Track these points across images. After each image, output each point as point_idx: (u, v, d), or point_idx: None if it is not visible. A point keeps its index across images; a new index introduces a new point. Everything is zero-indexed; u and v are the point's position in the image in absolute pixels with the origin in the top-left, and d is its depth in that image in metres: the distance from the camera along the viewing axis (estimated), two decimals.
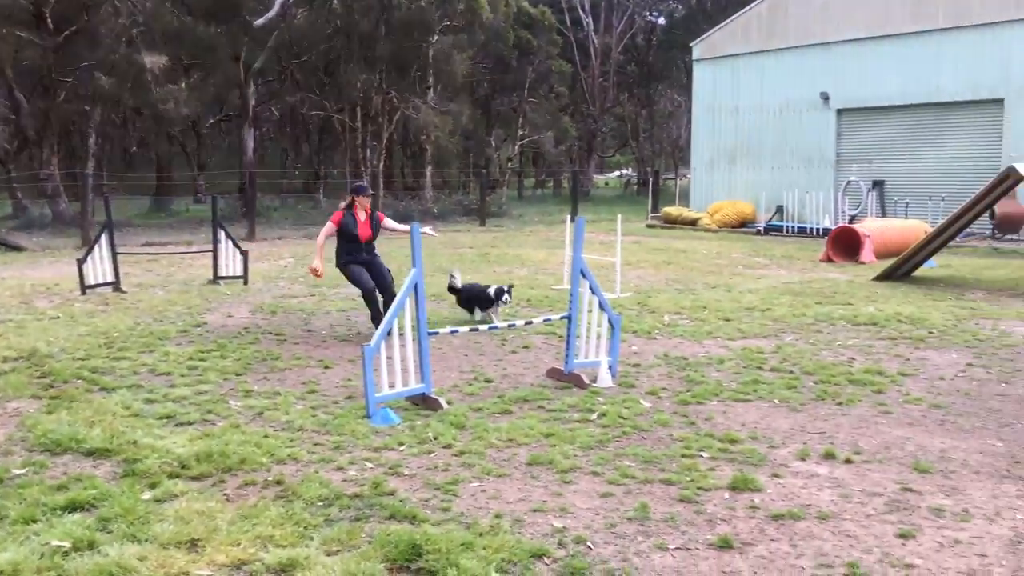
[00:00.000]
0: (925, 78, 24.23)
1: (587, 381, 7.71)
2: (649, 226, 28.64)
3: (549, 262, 17.66)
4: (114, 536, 4.47)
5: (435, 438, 6.16)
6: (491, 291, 10.87)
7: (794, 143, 27.54)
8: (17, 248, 21.28)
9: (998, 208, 19.98)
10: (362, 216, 9.88)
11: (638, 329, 10.29)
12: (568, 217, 16.67)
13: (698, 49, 30.38)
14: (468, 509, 4.92)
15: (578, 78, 50.44)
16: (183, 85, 31.62)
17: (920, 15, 24.19)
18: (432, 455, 5.83)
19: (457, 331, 8.40)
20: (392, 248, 19.89)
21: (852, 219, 23.23)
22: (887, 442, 6.10)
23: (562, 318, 8.16)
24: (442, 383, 7.76)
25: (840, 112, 26.45)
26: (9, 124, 30.30)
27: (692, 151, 31.37)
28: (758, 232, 25.62)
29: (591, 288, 7.86)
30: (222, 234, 14.71)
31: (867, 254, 17.49)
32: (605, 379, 7.75)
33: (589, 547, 4.43)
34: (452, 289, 11.40)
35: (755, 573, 4.16)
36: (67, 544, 4.33)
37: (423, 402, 7.03)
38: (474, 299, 11.10)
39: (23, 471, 5.47)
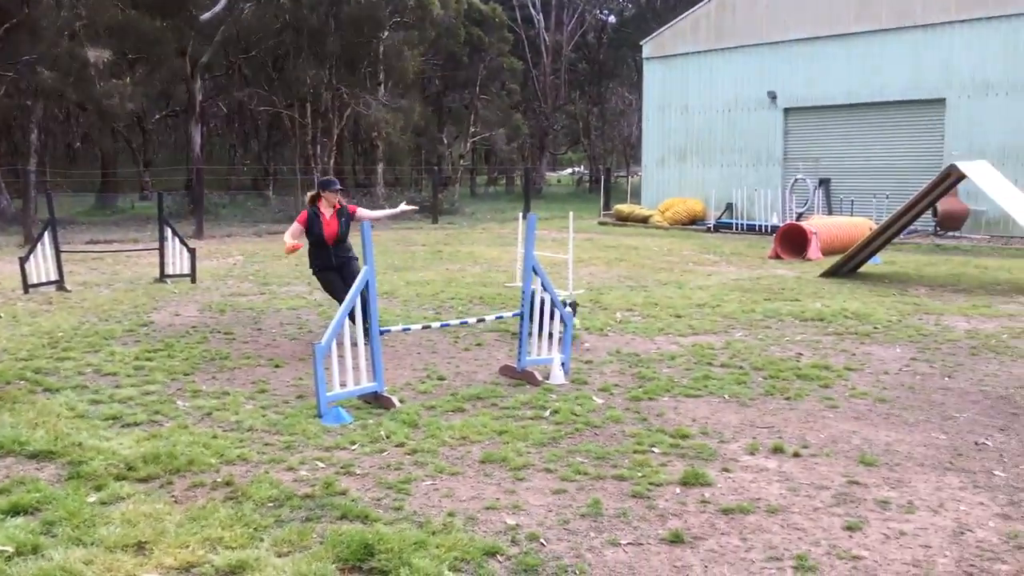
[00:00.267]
0: (869, 78, 24.67)
1: (540, 378, 7.73)
2: (601, 223, 28.79)
3: (502, 259, 17.67)
4: (59, 540, 4.38)
5: (388, 437, 6.13)
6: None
7: (743, 141, 27.87)
8: None
9: (940, 205, 20.42)
10: (328, 213, 9.04)
11: (591, 326, 10.34)
12: (520, 214, 16.70)
13: (648, 48, 30.60)
14: (421, 508, 4.90)
15: (529, 75, 50.53)
16: (128, 80, 31.00)
17: (864, 16, 24.62)
18: (384, 454, 5.80)
19: (409, 329, 8.37)
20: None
21: (799, 216, 23.59)
22: (834, 436, 6.20)
23: (515, 315, 8.17)
24: (394, 381, 7.72)
25: (787, 111, 26.82)
26: None
27: (643, 149, 31.58)
28: (708, 229, 25.89)
29: (543, 285, 7.88)
30: (169, 231, 14.48)
31: (814, 251, 17.77)
32: (558, 376, 7.77)
33: (542, 544, 4.44)
34: None
35: (706, 567, 4.20)
36: (10, 549, 4.23)
37: (375, 401, 6.99)
38: None
39: None
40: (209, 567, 4.12)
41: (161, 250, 14.52)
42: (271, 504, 4.91)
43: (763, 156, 27.36)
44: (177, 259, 14.52)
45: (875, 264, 16.15)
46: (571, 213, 15.02)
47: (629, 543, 4.46)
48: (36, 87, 27.67)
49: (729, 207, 26.75)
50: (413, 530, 4.54)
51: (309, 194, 9.22)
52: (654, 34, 30.91)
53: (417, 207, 10.02)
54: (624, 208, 29.30)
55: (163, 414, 6.72)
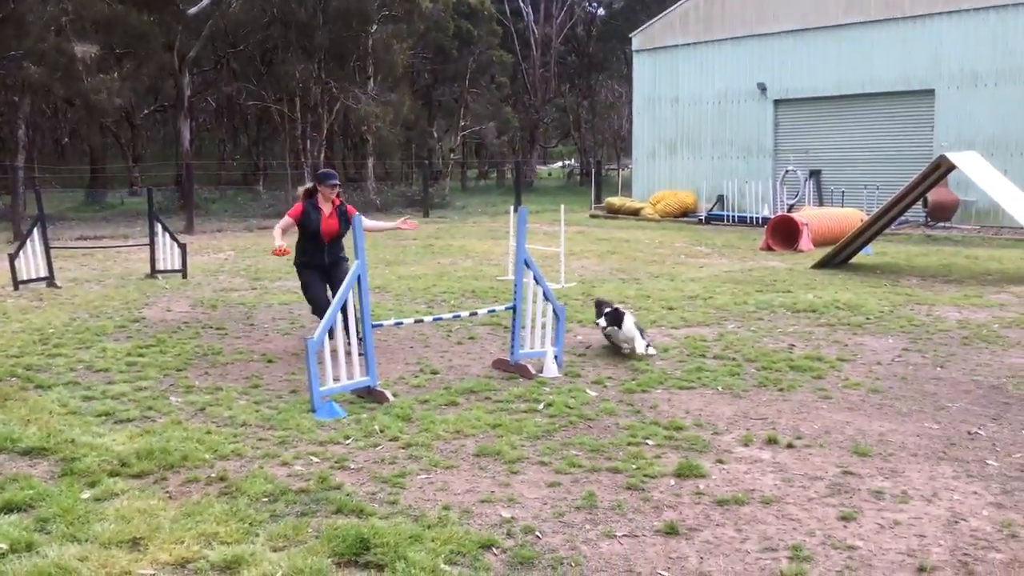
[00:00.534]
0: (859, 69, 24.71)
1: (533, 371, 7.72)
2: (592, 216, 28.79)
3: (493, 253, 17.65)
4: (53, 537, 4.36)
5: (381, 431, 6.12)
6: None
7: (733, 133, 27.90)
8: None
9: (930, 196, 20.48)
10: (327, 209, 8.41)
11: (583, 319, 10.34)
12: (512, 208, 16.69)
13: (637, 40, 30.58)
14: (416, 501, 4.89)
15: (519, 68, 50.44)
16: (115, 75, 30.83)
17: (853, 7, 24.65)
18: (379, 448, 5.79)
19: (402, 323, 8.36)
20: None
21: (790, 208, 23.63)
22: (827, 426, 6.22)
23: (507, 309, 8.16)
24: (388, 375, 7.71)
25: (777, 103, 26.85)
26: None
27: (634, 141, 31.58)
28: (700, 221, 25.92)
29: (535, 278, 7.87)
30: (159, 227, 14.43)
31: (805, 242, 17.81)
32: (551, 369, 7.77)
33: (538, 536, 4.45)
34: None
35: (701, 558, 4.21)
36: (4, 546, 4.21)
37: (369, 395, 6.98)
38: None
39: None
40: (204, 562, 4.11)
41: (152, 246, 14.46)
42: (266, 499, 4.90)
43: (754, 148, 27.39)
44: (168, 255, 14.46)
45: (866, 255, 16.19)
46: (562, 206, 15.02)
47: (624, 535, 4.47)
48: (23, 82, 27.48)
49: (720, 199, 26.77)
50: (408, 524, 4.54)
51: (304, 187, 8.56)
52: (643, 26, 30.89)
53: (416, 226, 9.00)
54: (615, 201, 29.31)
55: (156, 410, 6.69)
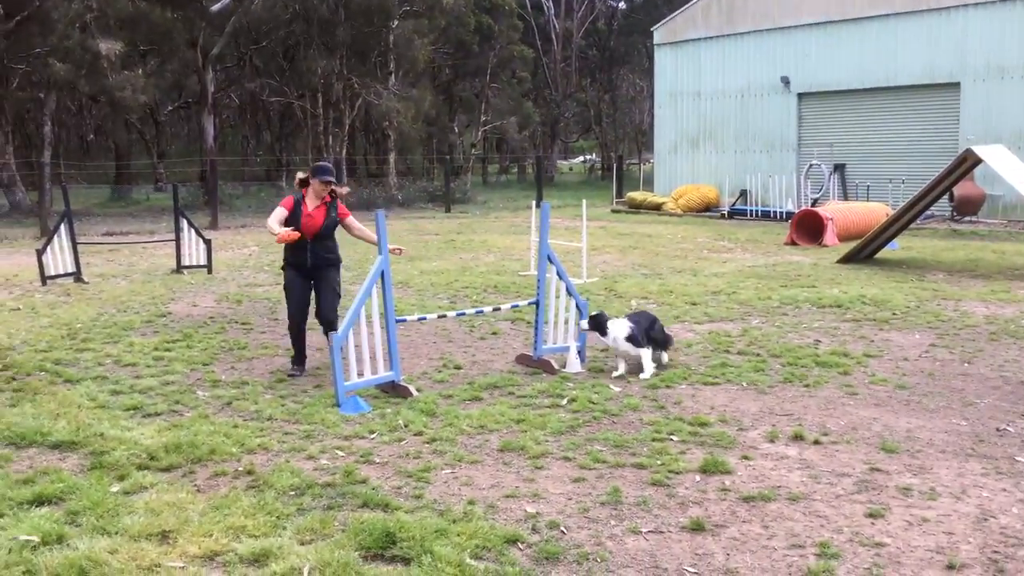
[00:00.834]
0: (883, 62, 24.48)
1: (556, 367, 7.72)
2: (614, 211, 28.72)
3: (515, 248, 17.65)
4: (83, 529, 4.41)
5: (406, 426, 6.14)
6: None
7: (756, 127, 27.72)
8: None
9: (956, 190, 20.27)
10: (312, 204, 7.52)
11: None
12: (533, 203, 16.68)
13: (659, 34, 30.44)
14: (441, 496, 4.91)
15: (540, 63, 50.34)
16: (140, 72, 31.10)
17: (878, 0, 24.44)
18: (403, 443, 5.81)
19: (425, 318, 8.38)
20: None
21: (815, 202, 23.47)
22: (854, 423, 6.18)
23: (530, 304, 8.16)
24: (411, 371, 7.73)
25: (801, 96, 26.65)
26: None
27: (655, 136, 31.46)
28: (722, 216, 25.78)
29: (558, 274, 7.87)
30: (184, 223, 14.53)
31: (830, 237, 17.68)
32: (574, 364, 7.77)
33: (563, 532, 4.45)
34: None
35: (728, 555, 4.20)
36: (35, 538, 4.26)
37: (393, 390, 7.00)
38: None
39: None
40: (233, 555, 4.14)
41: (177, 241, 14.57)
42: (292, 492, 4.93)
43: (777, 142, 27.21)
44: (193, 250, 14.58)
45: (892, 250, 16.05)
46: (584, 201, 15.00)
47: (650, 531, 4.46)
48: (49, 79, 27.77)
49: (743, 194, 26.63)
50: (434, 518, 4.55)
51: (299, 176, 7.73)
52: (665, 20, 30.75)
53: (401, 250, 7.84)
54: (637, 196, 29.21)
55: (183, 404, 6.75)
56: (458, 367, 7.96)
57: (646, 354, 7.56)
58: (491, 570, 4.02)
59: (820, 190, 24.84)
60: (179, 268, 14.48)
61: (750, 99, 27.82)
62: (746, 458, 5.49)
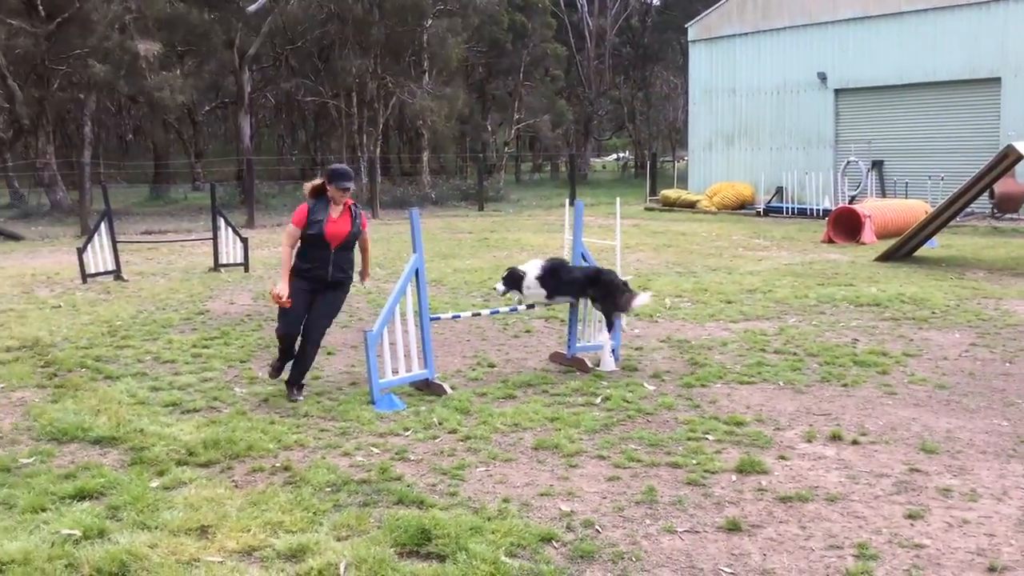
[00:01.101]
0: (922, 57, 24.15)
1: (590, 365, 7.71)
2: (648, 209, 28.60)
3: (549, 246, 17.62)
4: (124, 524, 4.48)
5: (440, 423, 6.16)
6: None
7: (792, 124, 27.47)
8: (15, 237, 21.21)
9: (997, 187, 19.95)
10: (336, 211, 6.80)
11: (640, 312, 10.27)
12: (566, 201, 16.64)
13: (693, 30, 30.25)
14: (475, 494, 4.92)
15: (573, 61, 50.22)
16: (178, 72, 31.47)
17: None
18: (438, 440, 5.83)
19: (459, 316, 8.41)
20: (389, 233, 19.89)
21: (852, 200, 23.20)
22: (893, 423, 6.10)
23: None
24: (445, 368, 7.76)
25: (838, 92, 26.36)
26: (3, 113, 30.16)
27: (689, 133, 31.28)
28: (758, 214, 25.58)
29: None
30: (222, 221, 14.68)
31: (868, 235, 17.47)
32: (608, 363, 7.75)
33: (597, 530, 4.44)
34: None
35: (765, 555, 4.17)
36: (77, 532, 4.33)
37: (427, 388, 7.03)
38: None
39: (30, 460, 5.47)
40: (270, 551, 4.18)
41: (215, 240, 14.73)
42: (329, 489, 4.97)
43: (814, 138, 26.94)
44: (230, 248, 14.73)
45: (931, 248, 15.83)
46: (618, 199, 14.91)
47: (685, 530, 4.44)
48: (88, 80, 28.19)
49: (779, 191, 26.39)
50: (469, 516, 4.56)
51: (311, 184, 6.89)
52: (699, 16, 30.55)
53: (367, 278, 7.45)
54: (671, 193, 29.06)
55: (221, 400, 6.83)
56: (492, 365, 7.97)
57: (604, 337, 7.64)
58: (526, 568, 4.02)
59: (858, 187, 24.56)
60: (216, 266, 14.63)
61: (786, 95, 27.57)
62: (783, 458, 5.44)
